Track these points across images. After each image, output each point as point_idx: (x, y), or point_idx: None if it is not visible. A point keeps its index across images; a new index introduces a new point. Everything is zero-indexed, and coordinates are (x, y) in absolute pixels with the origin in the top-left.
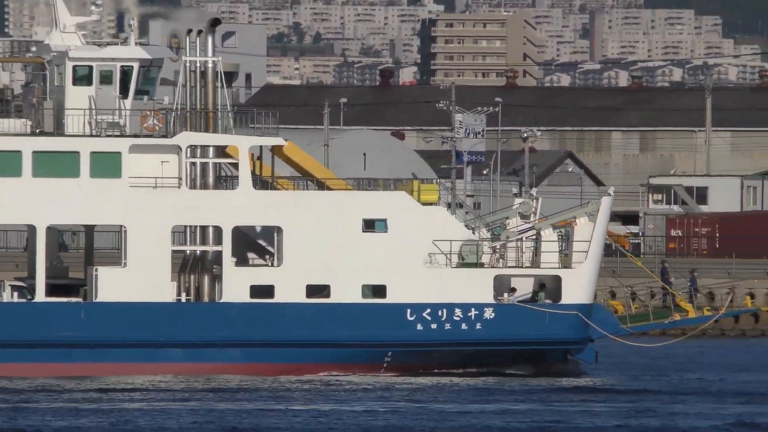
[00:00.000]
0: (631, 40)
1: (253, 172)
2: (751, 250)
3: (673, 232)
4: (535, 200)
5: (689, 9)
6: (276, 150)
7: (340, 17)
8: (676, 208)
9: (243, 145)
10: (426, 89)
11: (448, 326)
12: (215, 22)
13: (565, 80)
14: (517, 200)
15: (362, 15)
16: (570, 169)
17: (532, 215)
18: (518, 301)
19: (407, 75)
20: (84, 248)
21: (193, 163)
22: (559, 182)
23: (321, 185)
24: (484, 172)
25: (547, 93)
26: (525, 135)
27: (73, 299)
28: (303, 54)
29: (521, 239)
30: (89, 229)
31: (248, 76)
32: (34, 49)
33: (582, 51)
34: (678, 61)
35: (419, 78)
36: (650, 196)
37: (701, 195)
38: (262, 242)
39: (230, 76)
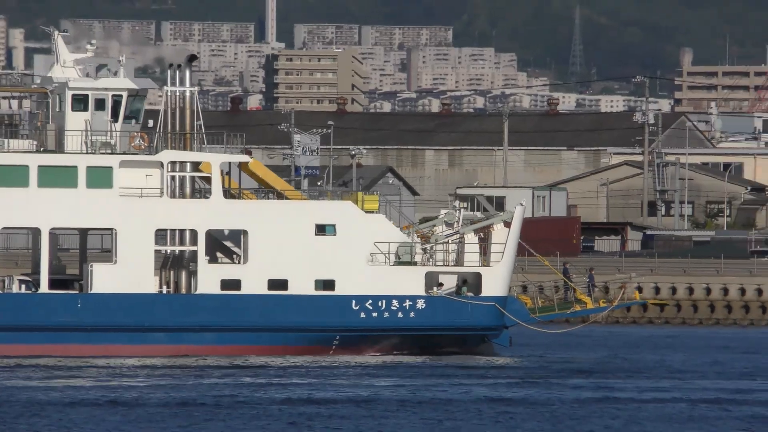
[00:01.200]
0: (442, 73)
1: (222, 184)
2: (541, 250)
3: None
4: (458, 211)
5: (490, 47)
6: (242, 166)
7: (197, 52)
8: (478, 214)
9: (215, 161)
10: (270, 114)
11: (386, 314)
12: (192, 58)
13: (386, 107)
14: (443, 211)
15: (216, 51)
16: (390, 181)
17: (456, 223)
18: (445, 294)
19: (254, 102)
20: (78, 249)
21: (173, 177)
22: (382, 192)
23: (280, 196)
24: (318, 183)
25: (371, 117)
26: (353, 152)
27: (71, 291)
28: (166, 83)
29: (447, 242)
30: (83, 232)
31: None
32: (37, 81)
33: (400, 82)
34: (480, 91)
35: (264, 104)
36: (458, 204)
37: (499, 203)
38: (230, 243)
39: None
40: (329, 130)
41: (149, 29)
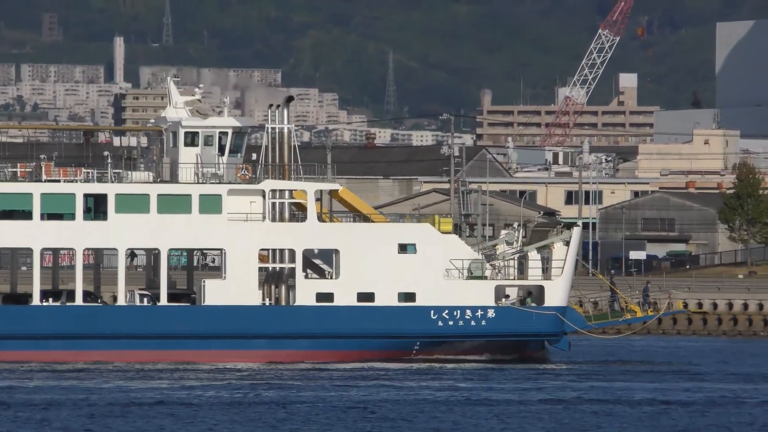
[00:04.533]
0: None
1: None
2: None
3: None
4: (517, 231)
5: (314, 88)
6: (333, 193)
7: (53, 91)
8: None
9: (310, 189)
10: (118, 147)
11: (461, 323)
12: (290, 99)
13: None
14: (503, 231)
15: (69, 90)
16: None
17: (515, 242)
18: (512, 304)
19: (103, 135)
20: (186, 267)
21: (274, 203)
22: None
23: (366, 219)
24: None
25: None
26: None
27: (185, 304)
28: (24, 119)
29: (513, 259)
30: (190, 253)
31: None
32: (152, 120)
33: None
34: (307, 126)
35: (112, 137)
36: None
37: None
38: (323, 261)
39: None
40: None
41: (10, 71)
